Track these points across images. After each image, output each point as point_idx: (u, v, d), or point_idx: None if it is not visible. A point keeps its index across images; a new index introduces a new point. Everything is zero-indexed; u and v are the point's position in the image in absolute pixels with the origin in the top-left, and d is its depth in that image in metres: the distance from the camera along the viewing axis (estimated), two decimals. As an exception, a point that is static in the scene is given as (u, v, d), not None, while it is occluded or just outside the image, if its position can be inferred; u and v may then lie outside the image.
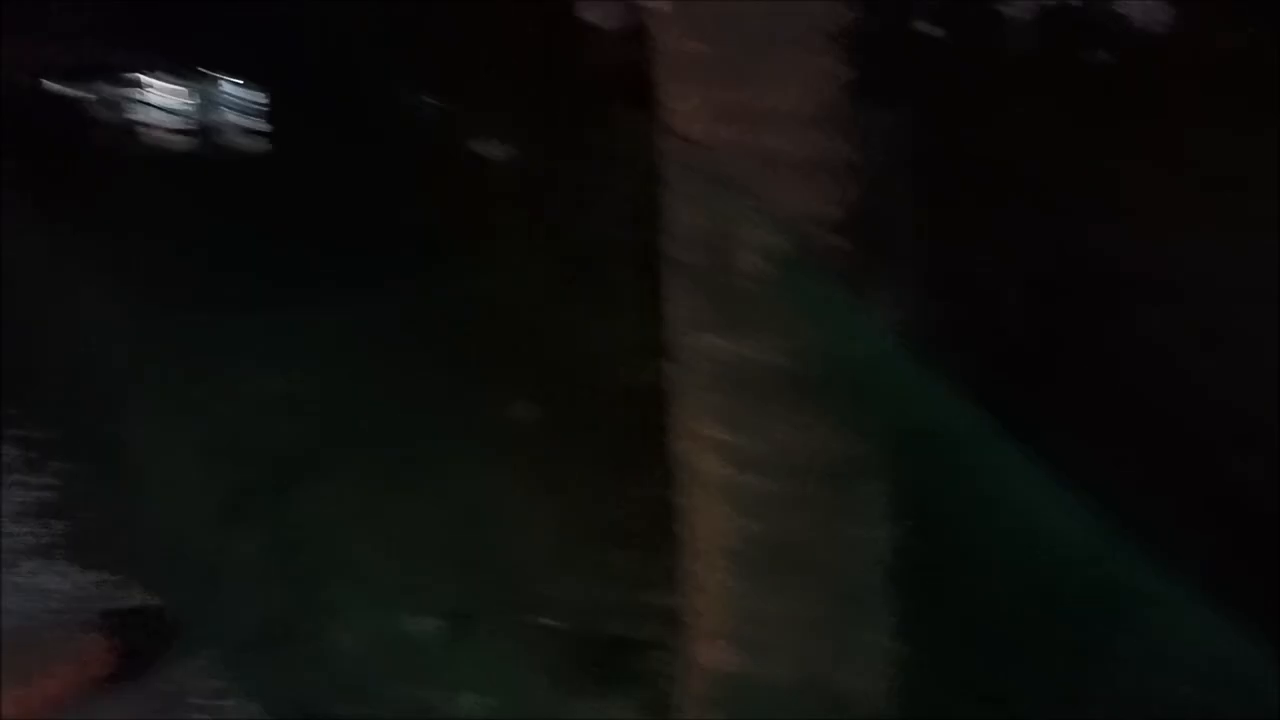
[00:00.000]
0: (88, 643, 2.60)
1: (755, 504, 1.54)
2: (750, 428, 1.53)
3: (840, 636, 1.57)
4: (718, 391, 1.54)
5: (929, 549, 1.53)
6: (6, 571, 3.19)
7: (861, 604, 1.57)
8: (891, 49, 1.53)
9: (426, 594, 2.75)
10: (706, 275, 1.53)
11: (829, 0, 1.50)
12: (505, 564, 2.93)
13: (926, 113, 1.83)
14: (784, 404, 1.52)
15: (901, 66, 1.54)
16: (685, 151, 1.55)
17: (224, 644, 2.68)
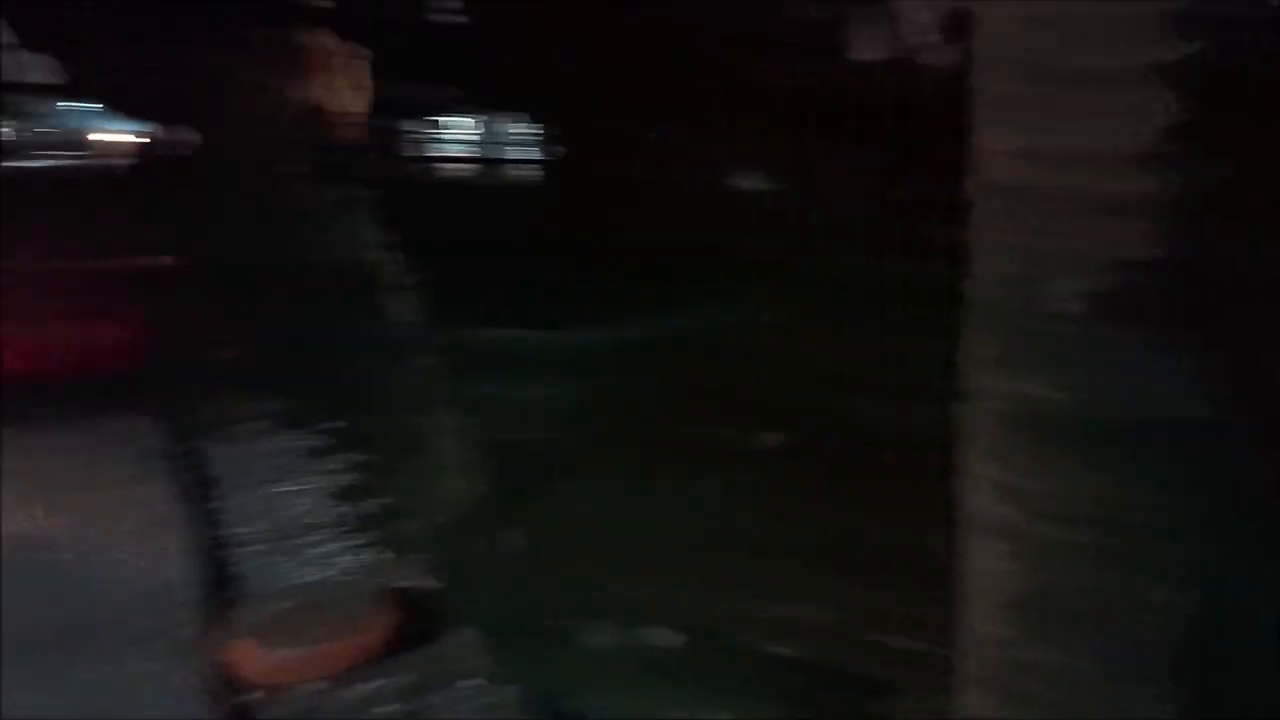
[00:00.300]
0: (367, 615, 2.85)
1: (1044, 553, 1.48)
2: (1046, 474, 1.47)
3: (1115, 700, 1.48)
4: (1013, 435, 1.50)
5: (1224, 619, 1.42)
6: (301, 545, 3.61)
7: (1143, 668, 1.47)
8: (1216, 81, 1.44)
9: (667, 607, 2.84)
10: (1010, 316, 1.51)
11: (1158, 37, 1.45)
12: (745, 588, 2.98)
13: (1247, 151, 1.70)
14: (1084, 452, 1.46)
15: (1225, 100, 1.44)
16: (995, 192, 1.54)
17: (487, 629, 2.88)
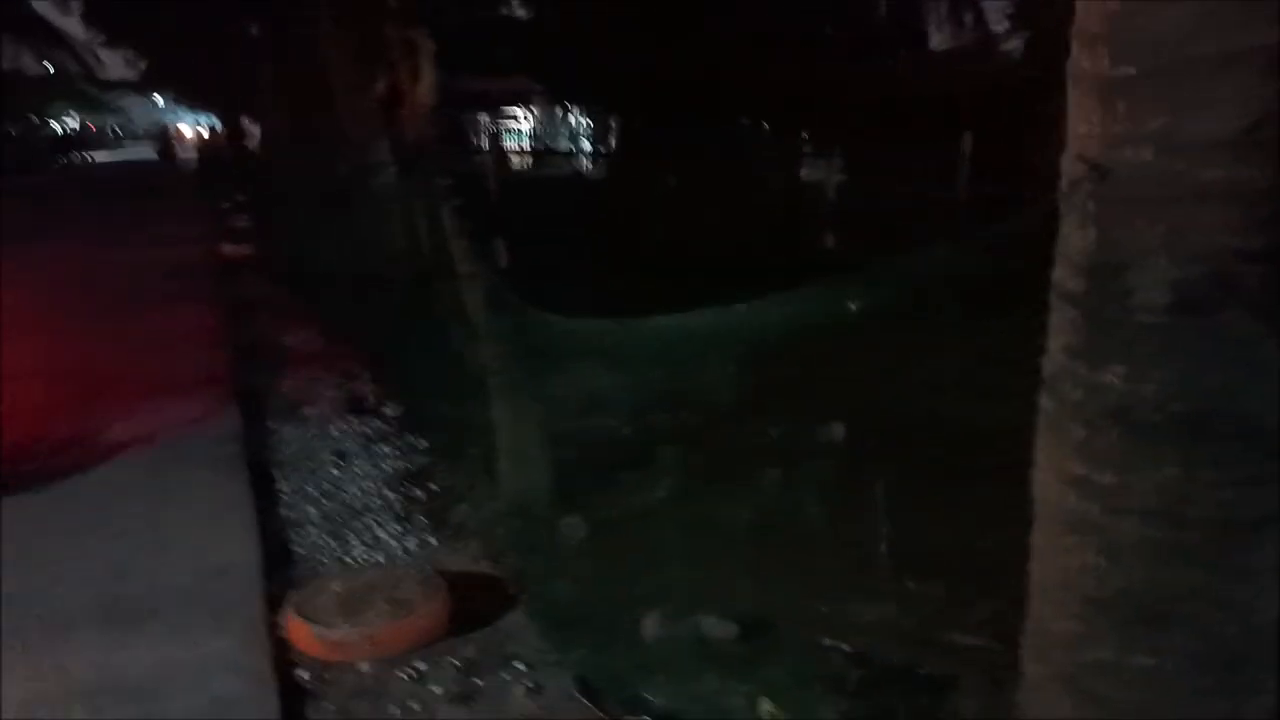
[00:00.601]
0: (423, 598, 2.88)
1: (1123, 550, 1.43)
2: (1129, 469, 1.42)
3: (1191, 701, 1.41)
4: (1092, 428, 1.45)
5: None
6: (369, 525, 3.66)
7: (1228, 669, 1.41)
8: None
9: (729, 599, 2.81)
10: (1099, 306, 1.45)
11: (1256, 23, 1.38)
12: (804, 581, 2.93)
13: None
14: (1172, 446, 1.40)
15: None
16: (1089, 176, 1.48)
17: (548, 614, 2.89)
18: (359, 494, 3.92)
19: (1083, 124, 1.47)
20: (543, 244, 3.95)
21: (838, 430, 3.18)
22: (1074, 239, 1.50)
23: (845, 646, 2.63)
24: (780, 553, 3.03)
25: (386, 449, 4.40)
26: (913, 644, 2.60)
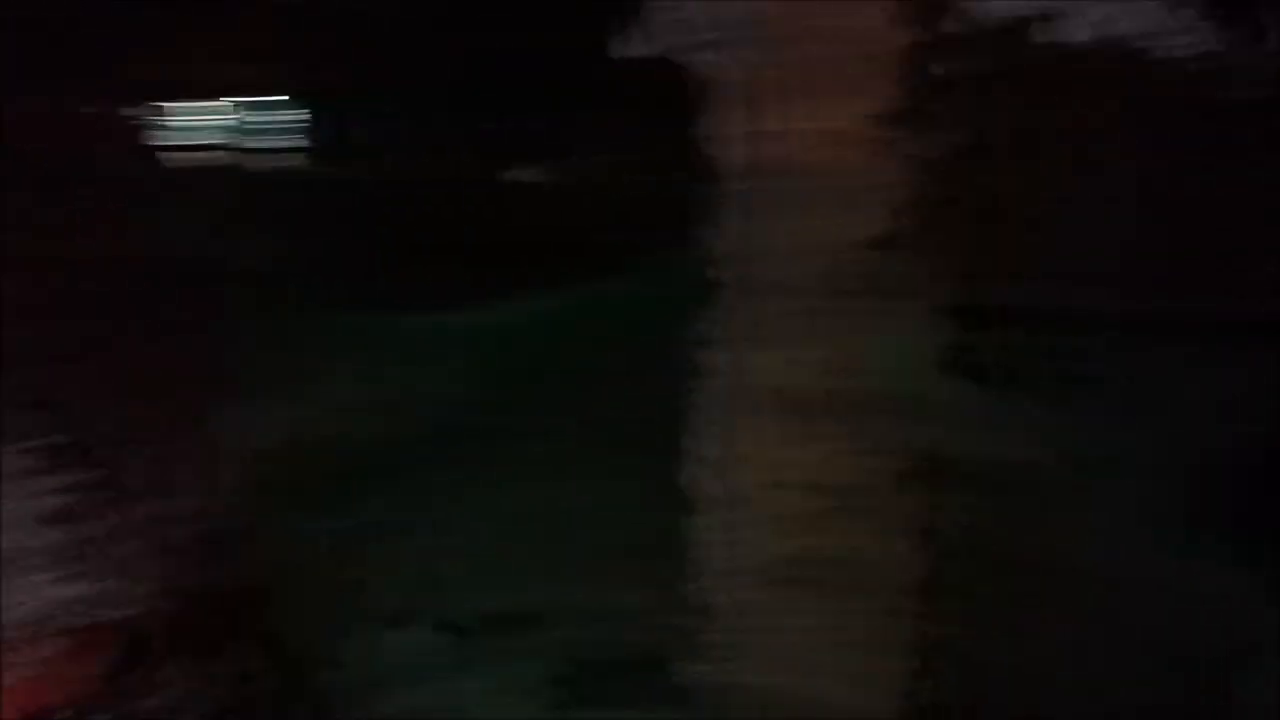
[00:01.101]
0: (77, 650, 2.59)
1: (785, 521, 1.52)
2: (786, 445, 1.51)
3: (861, 653, 1.53)
4: (753, 410, 1.52)
5: (964, 570, 1.48)
6: (17, 575, 3.17)
7: (889, 621, 1.52)
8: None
9: (451, 596, 2.75)
10: (749, 294, 1.51)
11: (881, 27, 1.48)
12: (517, 575, 2.90)
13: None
14: (822, 422, 1.50)
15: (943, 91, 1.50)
16: (731, 173, 1.53)
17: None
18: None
19: (717, 125, 1.51)
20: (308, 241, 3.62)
21: (556, 423, 3.17)
22: (727, 231, 1.54)
23: (559, 633, 2.65)
24: (533, 547, 3.00)
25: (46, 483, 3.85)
26: (625, 626, 2.65)
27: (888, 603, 1.57)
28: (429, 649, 2.60)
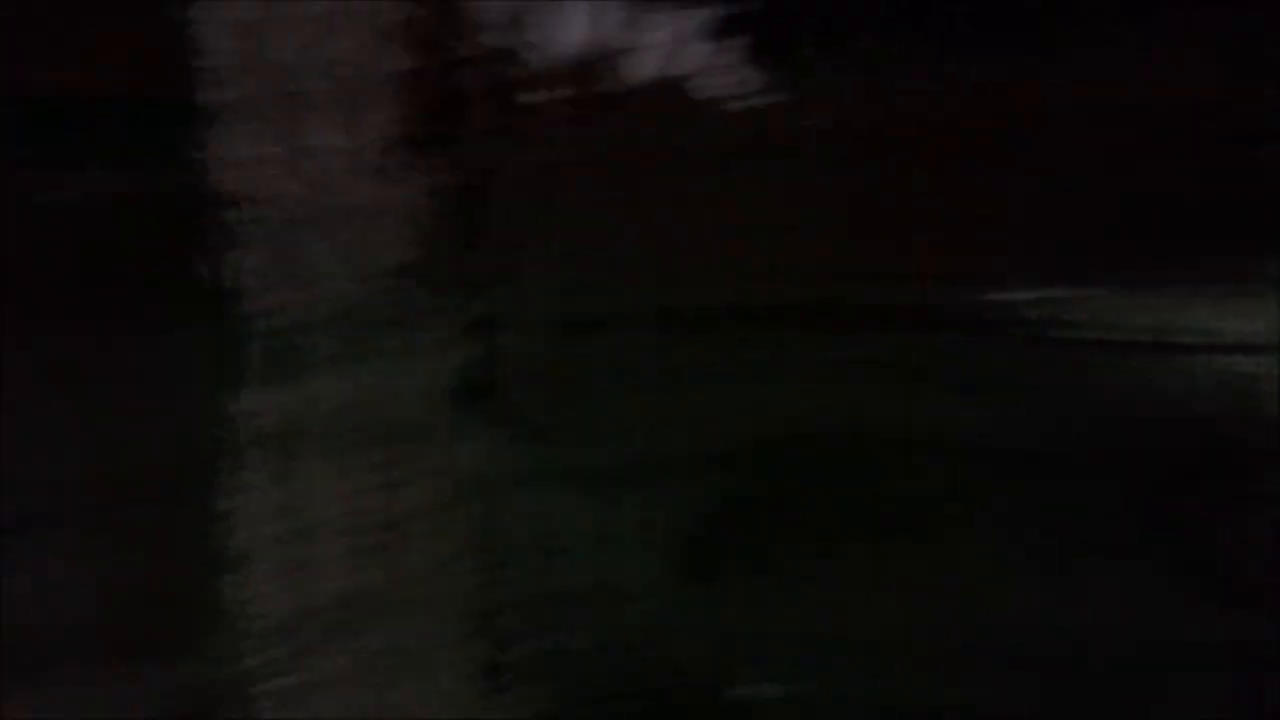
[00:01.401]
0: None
1: (314, 564, 1.47)
2: (306, 485, 1.46)
3: (415, 683, 1.51)
4: (270, 450, 1.47)
5: (508, 590, 1.51)
6: None
7: (438, 650, 1.52)
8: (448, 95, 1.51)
9: None
10: (258, 327, 1.47)
11: (377, 48, 1.49)
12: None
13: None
14: (342, 458, 1.47)
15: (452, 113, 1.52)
16: (242, 201, 1.49)
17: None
18: None
19: (221, 151, 1.48)
20: None
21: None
22: (242, 262, 1.50)
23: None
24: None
25: None
26: (152, 690, 2.42)
27: (453, 626, 1.56)
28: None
